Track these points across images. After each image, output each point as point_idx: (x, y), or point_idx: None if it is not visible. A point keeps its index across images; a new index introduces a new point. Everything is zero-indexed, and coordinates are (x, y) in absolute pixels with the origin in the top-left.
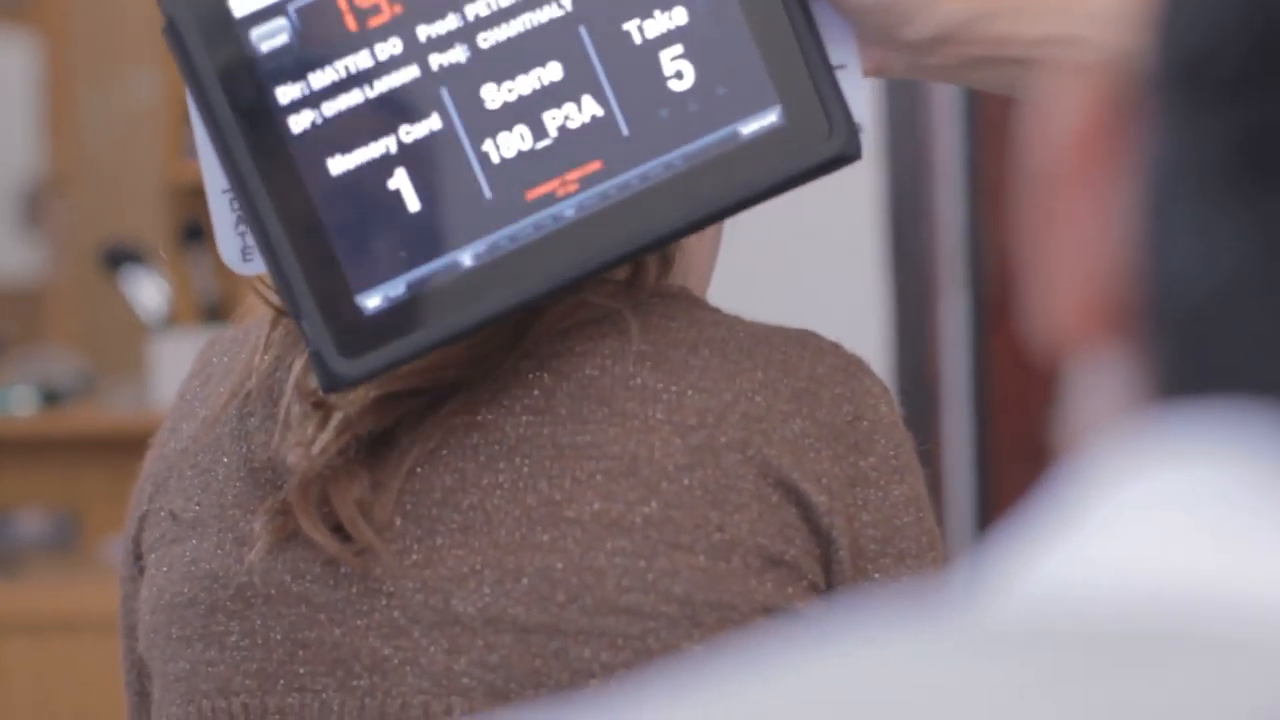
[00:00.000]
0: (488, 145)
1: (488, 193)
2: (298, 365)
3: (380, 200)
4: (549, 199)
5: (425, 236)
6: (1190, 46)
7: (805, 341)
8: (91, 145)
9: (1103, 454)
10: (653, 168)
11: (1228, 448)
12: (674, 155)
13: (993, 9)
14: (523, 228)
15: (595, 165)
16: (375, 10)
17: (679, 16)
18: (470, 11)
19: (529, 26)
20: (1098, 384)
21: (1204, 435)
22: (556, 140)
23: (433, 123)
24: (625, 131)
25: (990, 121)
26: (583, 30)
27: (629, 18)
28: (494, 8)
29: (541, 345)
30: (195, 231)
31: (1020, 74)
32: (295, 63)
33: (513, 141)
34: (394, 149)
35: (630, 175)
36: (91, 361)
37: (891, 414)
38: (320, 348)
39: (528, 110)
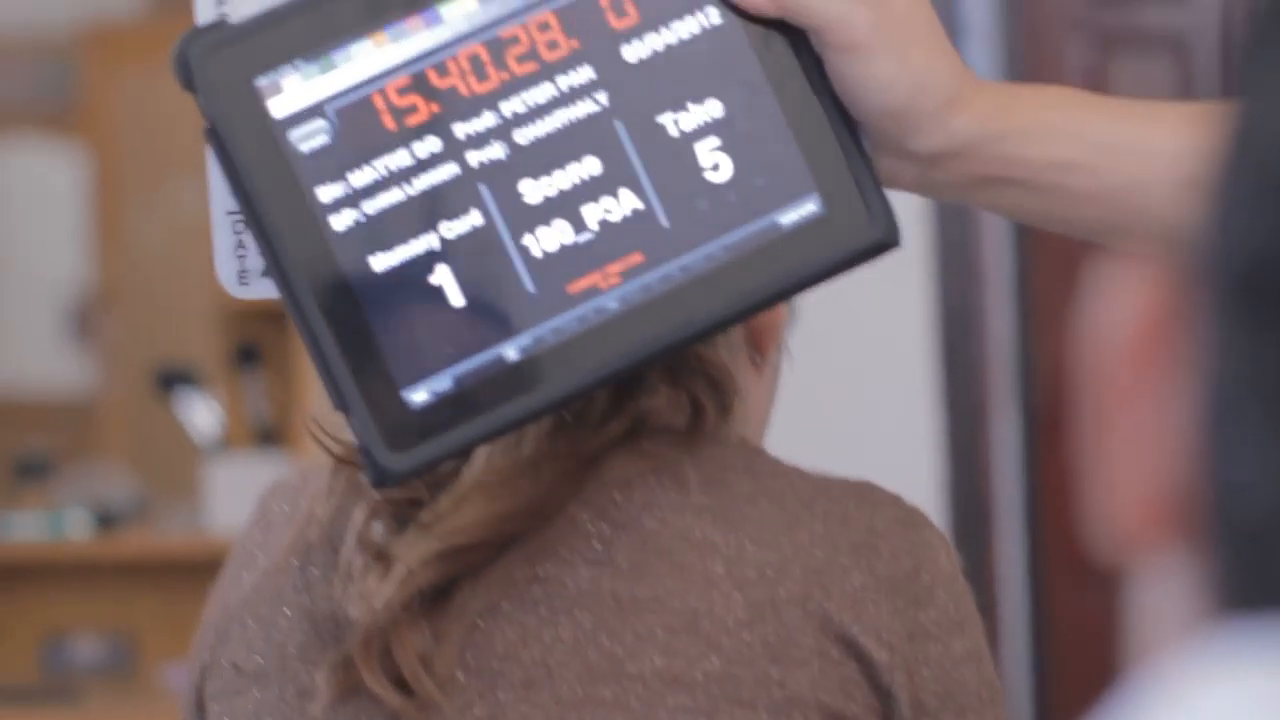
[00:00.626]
0: (528, 240)
1: (530, 287)
2: (359, 515)
3: (423, 296)
4: (592, 292)
5: (470, 331)
6: (1247, 256)
7: (864, 494)
8: (141, 258)
9: (1167, 667)
10: (694, 259)
11: None
12: (714, 246)
13: (1003, 129)
14: (566, 321)
15: (636, 258)
16: (412, 110)
17: (714, 109)
18: (507, 109)
19: (565, 123)
20: (1159, 587)
21: (1263, 652)
22: (597, 234)
23: (473, 219)
24: (665, 223)
25: (1041, 239)
26: (618, 125)
27: (664, 112)
28: (530, 105)
29: (601, 496)
30: (249, 354)
31: (1026, 198)
32: (335, 162)
33: (553, 235)
34: (436, 245)
35: (671, 267)
36: (144, 481)
37: (951, 566)
38: (368, 443)
39: (567, 205)
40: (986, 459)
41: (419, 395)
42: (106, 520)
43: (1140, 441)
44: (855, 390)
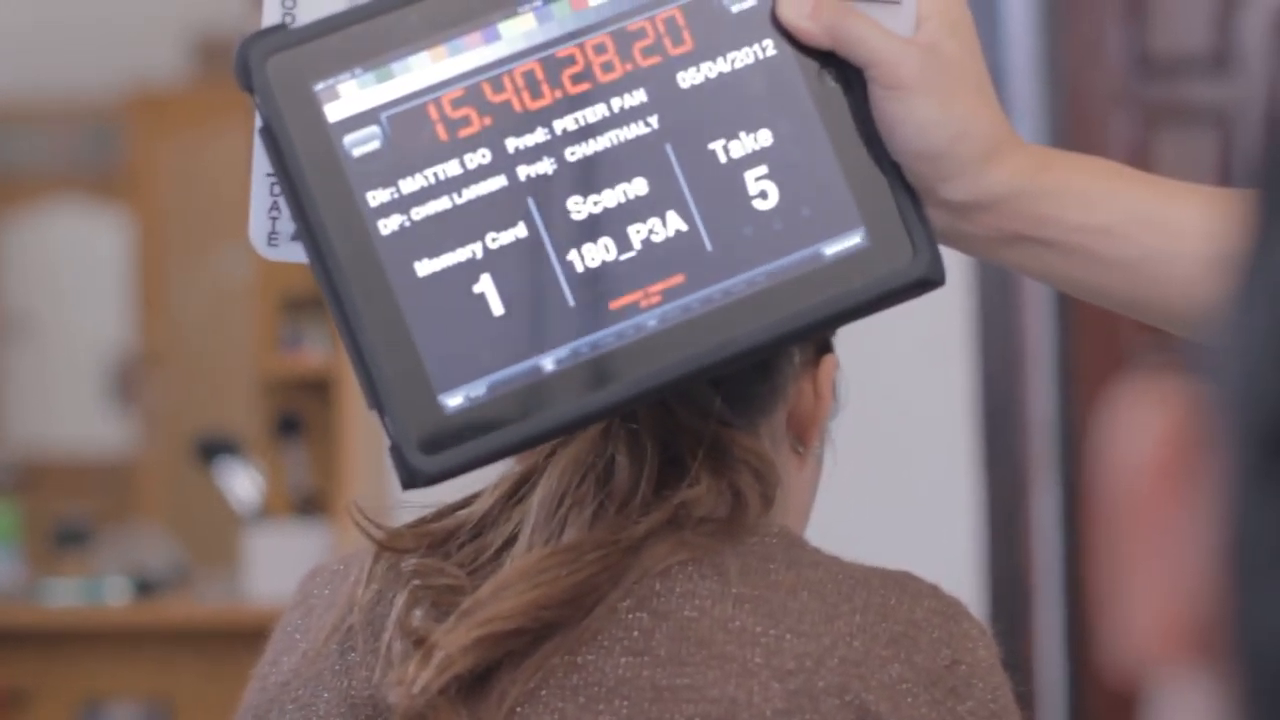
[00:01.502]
0: (572, 255)
1: (571, 301)
2: (400, 601)
3: (465, 303)
4: (632, 309)
5: (508, 340)
6: (1267, 415)
7: (904, 584)
8: (183, 323)
9: None
10: (735, 283)
11: None
12: (757, 272)
13: (1038, 188)
14: (605, 336)
15: (678, 279)
16: (465, 122)
17: (764, 138)
18: (559, 126)
19: (616, 142)
20: (1180, 709)
21: None
22: (640, 253)
23: (519, 231)
24: (709, 247)
25: (1082, 312)
26: (668, 148)
27: (714, 138)
28: (582, 123)
29: (641, 586)
30: (290, 424)
31: (1053, 259)
32: (386, 168)
33: (597, 252)
34: (480, 254)
35: (713, 290)
36: (183, 546)
37: (990, 657)
38: (400, 443)
39: (613, 222)
40: (1026, 531)
41: (454, 400)
42: (145, 587)
43: (1161, 564)
44: (896, 465)
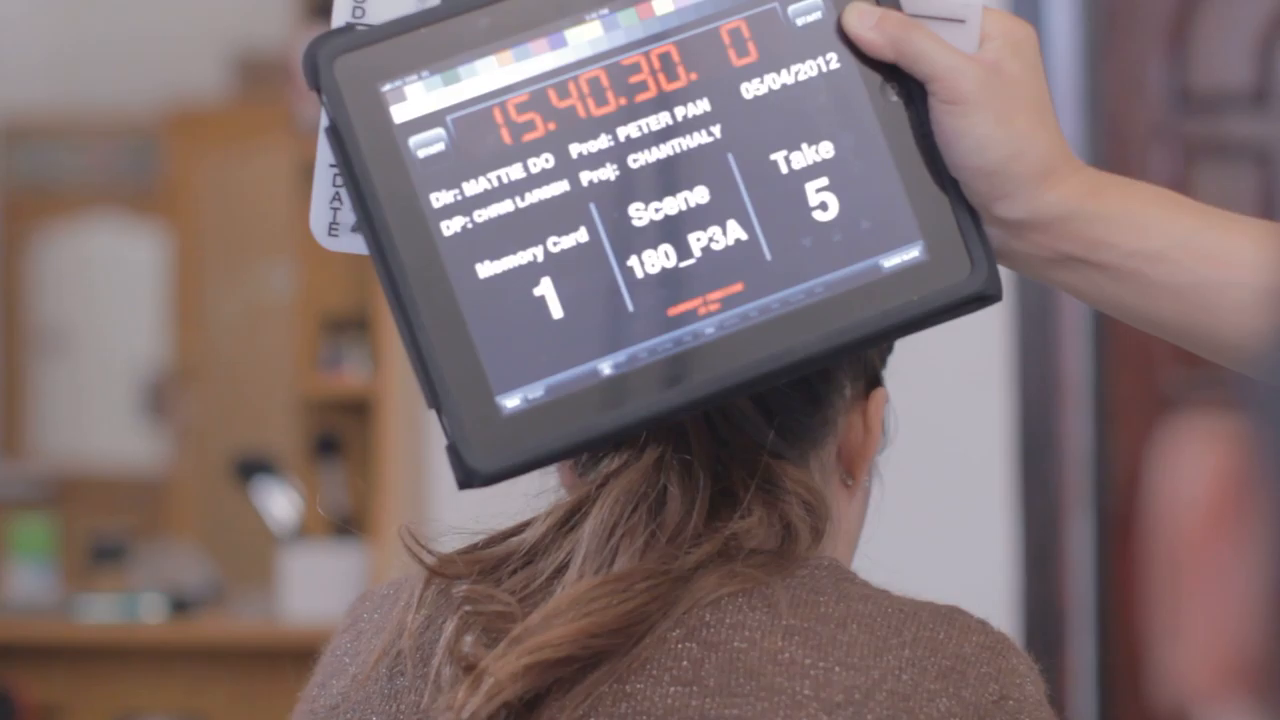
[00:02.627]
0: (632, 261)
1: (630, 306)
2: (449, 627)
3: (525, 306)
4: (690, 316)
5: (567, 343)
6: None
7: (953, 619)
8: (219, 339)
9: None
10: (793, 293)
11: None
12: (815, 283)
13: (1093, 211)
14: (662, 342)
15: (737, 287)
16: (530, 126)
17: (825, 150)
18: (622, 133)
19: (678, 150)
20: None
21: None
22: (700, 260)
23: (580, 235)
24: (768, 256)
25: (1120, 347)
26: (730, 158)
27: (776, 149)
28: (645, 131)
29: (691, 616)
30: (328, 444)
31: (1104, 282)
32: (450, 170)
33: (657, 259)
34: (541, 258)
35: (771, 299)
36: (218, 564)
37: (1037, 693)
38: (458, 443)
39: (673, 230)
40: (1062, 563)
41: (512, 401)
42: (181, 605)
43: (1213, 602)
44: (934, 492)
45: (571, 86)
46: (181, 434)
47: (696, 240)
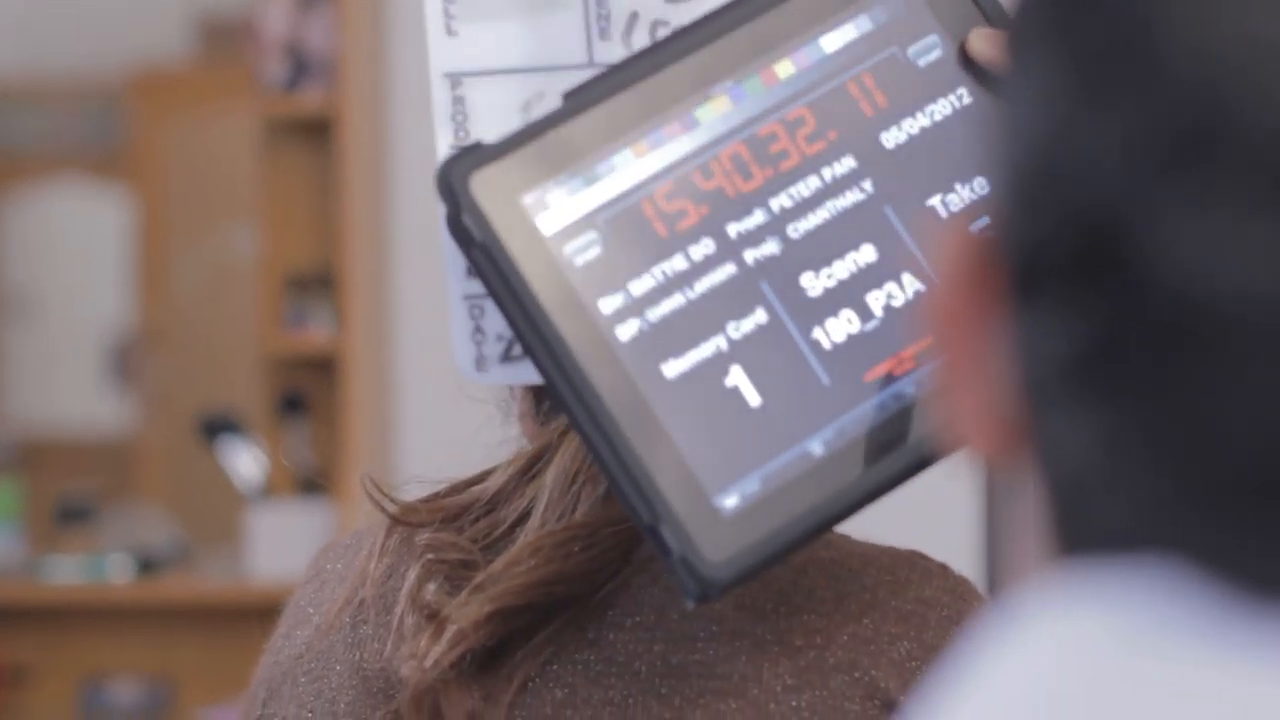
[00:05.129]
0: (817, 333)
1: (825, 379)
2: (412, 575)
3: (720, 398)
4: (888, 379)
5: (772, 430)
6: (1024, 255)
7: (913, 563)
8: (184, 302)
9: (1012, 605)
10: None
11: (1104, 603)
12: None
13: None
14: (866, 410)
15: (927, 340)
16: (683, 214)
17: (980, 186)
18: (775, 205)
19: (835, 213)
20: (1022, 498)
21: (1084, 591)
22: (884, 320)
23: (759, 317)
24: None
25: None
26: (889, 210)
27: (931, 194)
28: (797, 198)
29: (653, 562)
30: (293, 403)
31: None
32: (612, 272)
33: (841, 326)
34: (725, 346)
35: None
36: (184, 525)
37: None
38: (687, 554)
39: (850, 294)
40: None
41: (730, 500)
42: (147, 565)
43: (975, 380)
44: None
45: (714, 166)
46: (148, 396)
47: (875, 300)
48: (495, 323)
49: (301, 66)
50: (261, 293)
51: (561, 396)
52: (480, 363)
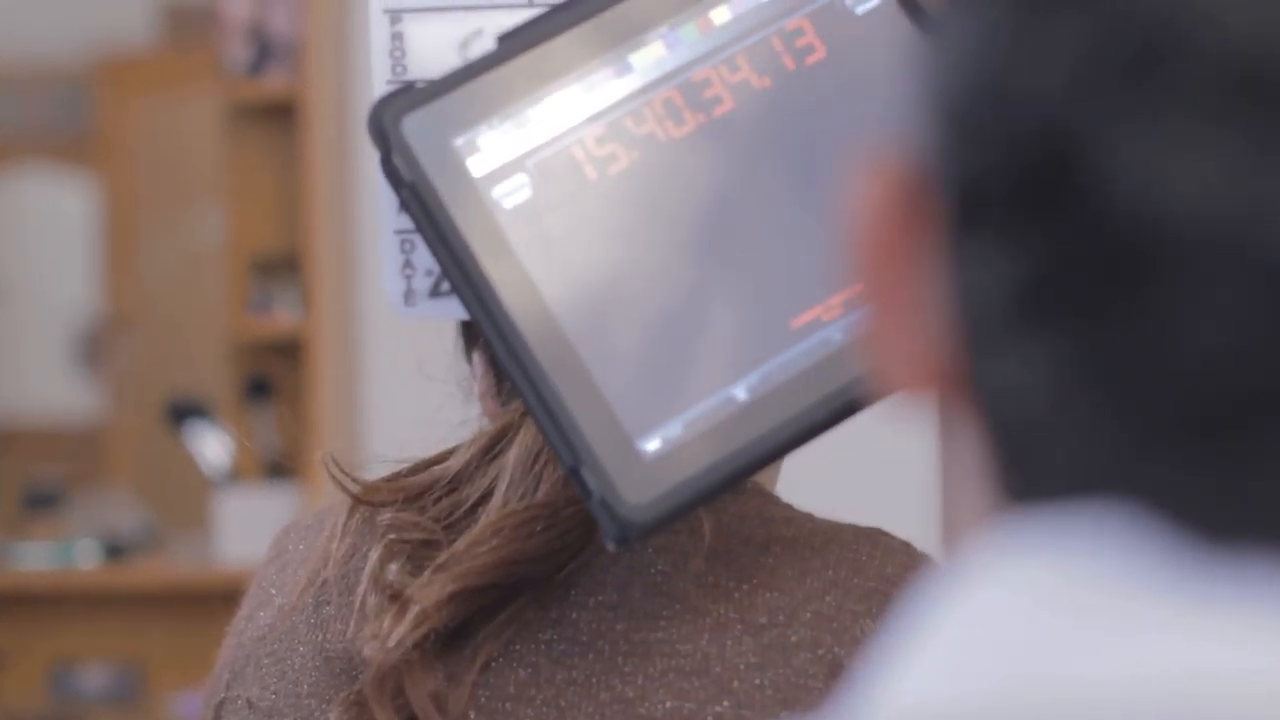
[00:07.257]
0: (744, 278)
1: (752, 325)
2: (374, 555)
3: (644, 343)
4: (815, 324)
5: (696, 375)
6: (965, 186)
7: (876, 540)
8: (152, 287)
9: (959, 558)
10: None
11: (1055, 550)
12: None
13: None
14: (793, 356)
15: (857, 287)
16: (613, 158)
17: (915, 127)
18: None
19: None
20: (959, 439)
21: (1033, 538)
22: (813, 265)
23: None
24: None
25: None
26: (821, 156)
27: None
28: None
29: None
30: (259, 387)
31: None
32: (540, 215)
33: (768, 271)
34: (651, 292)
35: None
36: (153, 510)
37: None
38: (606, 496)
39: (779, 239)
40: None
41: (652, 444)
42: (115, 550)
43: (905, 314)
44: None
45: (647, 111)
46: (116, 381)
47: (805, 245)
48: (424, 258)
49: (265, 50)
50: (227, 277)
51: (487, 337)
52: (409, 297)
